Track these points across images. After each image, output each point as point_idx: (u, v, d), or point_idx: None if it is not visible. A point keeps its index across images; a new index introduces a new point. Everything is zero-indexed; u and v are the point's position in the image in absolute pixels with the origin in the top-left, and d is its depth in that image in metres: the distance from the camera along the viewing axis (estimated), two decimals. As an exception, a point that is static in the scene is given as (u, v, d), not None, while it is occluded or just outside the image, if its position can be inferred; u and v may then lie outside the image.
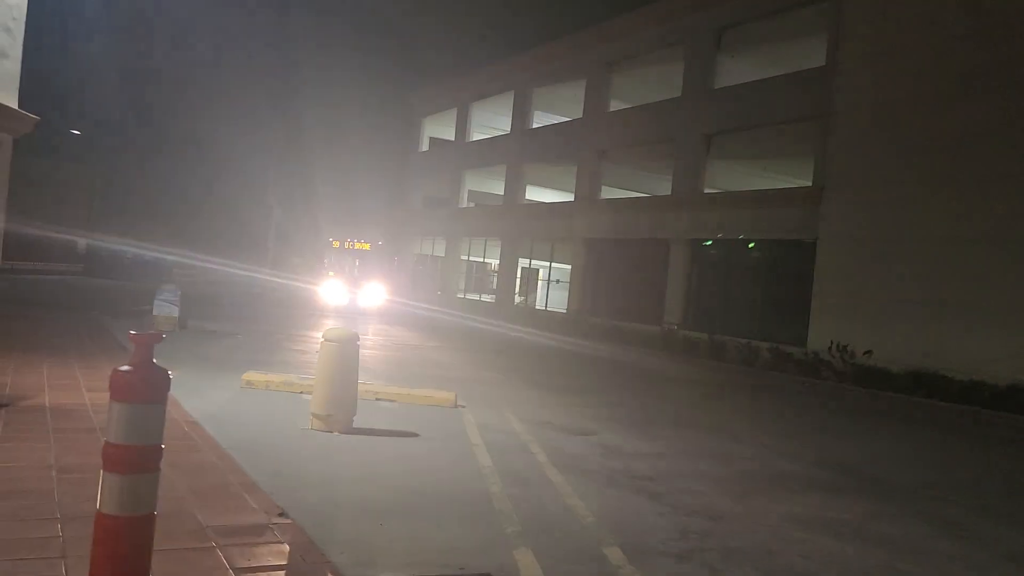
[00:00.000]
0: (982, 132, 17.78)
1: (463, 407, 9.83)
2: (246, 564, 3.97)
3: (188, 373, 10.37)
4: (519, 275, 34.98)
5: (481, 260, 39.71)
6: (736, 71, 24.68)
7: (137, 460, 3.21)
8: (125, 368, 3.27)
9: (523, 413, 9.96)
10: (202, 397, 8.69)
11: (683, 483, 7.05)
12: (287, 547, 4.27)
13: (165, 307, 15.57)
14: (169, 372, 3.31)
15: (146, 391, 3.25)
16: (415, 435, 7.86)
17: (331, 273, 28.26)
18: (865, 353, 18.69)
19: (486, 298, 37.12)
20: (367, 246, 29.15)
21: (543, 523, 5.30)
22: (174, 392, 8.59)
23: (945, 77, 18.63)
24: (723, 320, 23.72)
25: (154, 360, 3.32)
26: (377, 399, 9.56)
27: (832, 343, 19.31)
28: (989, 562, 5.56)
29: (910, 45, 19.56)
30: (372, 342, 17.00)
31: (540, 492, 6.16)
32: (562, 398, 11.75)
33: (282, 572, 3.92)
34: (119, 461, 3.20)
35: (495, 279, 37.41)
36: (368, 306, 27.12)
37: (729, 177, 27.09)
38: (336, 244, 28.98)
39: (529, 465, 7.08)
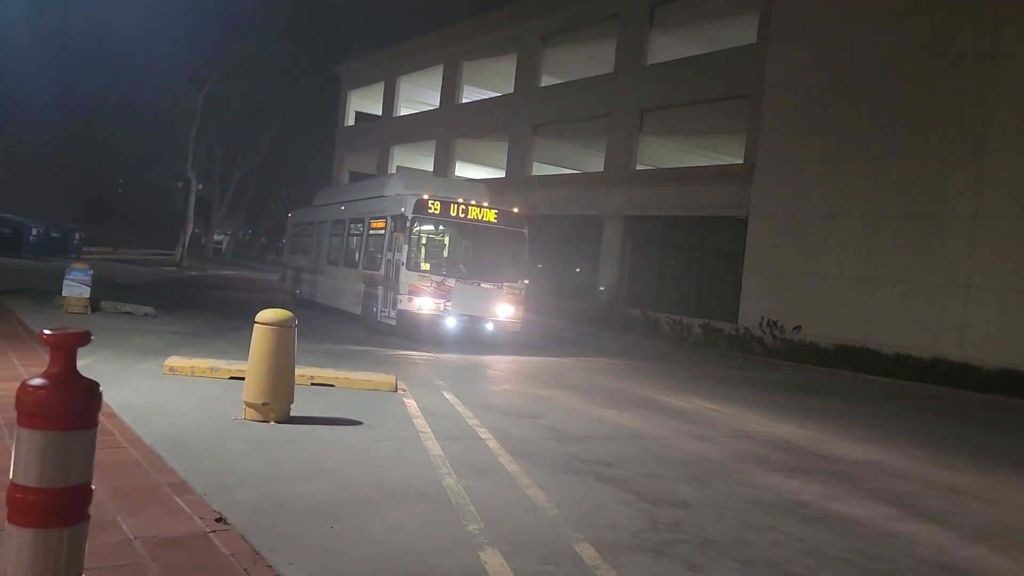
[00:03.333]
0: (909, 110, 18.10)
1: (404, 391, 9.40)
2: (182, 582, 3.49)
3: (104, 359, 9.62)
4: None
5: (410, 237, 38.85)
6: (669, 47, 24.63)
7: (57, 509, 2.36)
8: (38, 381, 2.42)
9: (465, 395, 9.58)
10: (121, 385, 8.02)
11: (640, 467, 6.80)
12: (229, 559, 3.79)
13: (76, 287, 14.57)
14: (99, 385, 2.56)
15: (70, 414, 2.42)
16: (358, 423, 7.40)
17: (424, 264, 15.40)
18: (794, 329, 18.96)
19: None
20: (492, 214, 15.77)
21: (505, 518, 4.95)
22: (89, 380, 7.97)
23: (874, 55, 18.89)
24: (656, 296, 23.78)
25: (78, 370, 2.52)
26: (312, 383, 9.04)
27: (763, 319, 19.53)
28: (956, 544, 5.47)
29: (840, 23, 19.75)
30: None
31: (497, 482, 5.80)
32: (502, 377, 11.42)
33: (225, 590, 3.46)
34: (32, 511, 2.34)
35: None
36: (495, 330, 15.48)
37: (662, 154, 27.12)
38: (435, 207, 15.22)
39: (481, 452, 6.72)
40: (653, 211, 24.03)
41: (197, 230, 52.69)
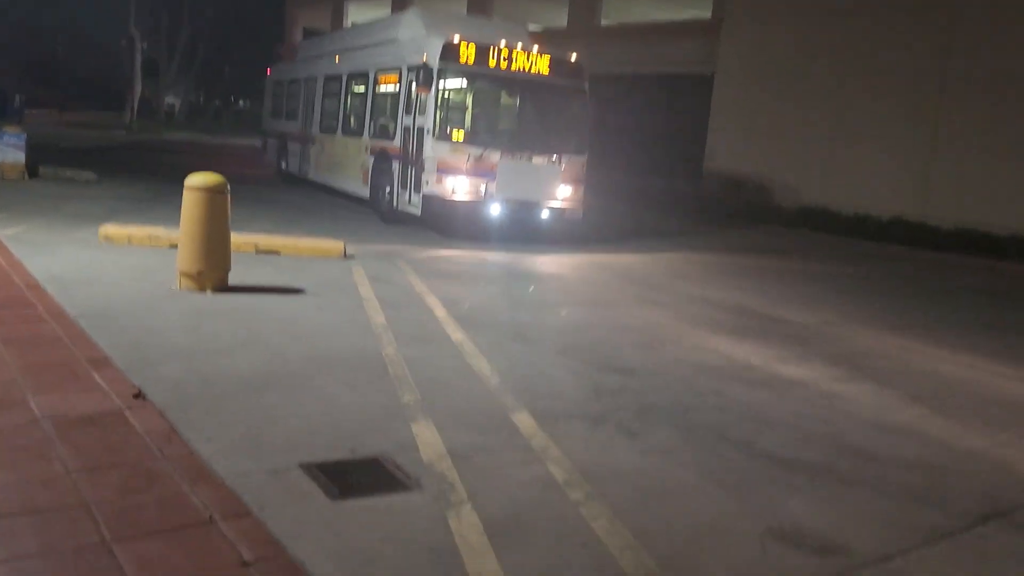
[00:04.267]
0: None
1: (353, 257, 9.13)
2: (88, 463, 3.30)
3: (36, 227, 9.18)
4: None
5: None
6: None
7: None
8: None
9: (419, 263, 9.36)
10: (51, 255, 7.65)
11: (592, 334, 6.70)
12: (143, 437, 3.60)
13: (9, 152, 13.83)
14: None
15: None
16: (300, 291, 7.16)
17: (457, 133, 11.58)
18: (757, 188, 18.81)
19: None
20: (545, 63, 11.92)
21: (444, 389, 4.81)
22: (16, 250, 7.58)
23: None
24: (618, 158, 23.35)
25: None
26: (257, 251, 8.74)
27: (726, 180, 19.32)
28: (898, 403, 5.48)
29: None
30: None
31: (440, 352, 5.66)
32: (460, 245, 11.17)
33: (134, 470, 3.28)
34: None
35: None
36: (552, 218, 11.96)
37: (626, 8, 25.94)
38: (468, 54, 11.47)
39: (427, 321, 6.55)
40: (618, 69, 23.20)
41: (147, 92, 50.34)
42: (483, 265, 9.78)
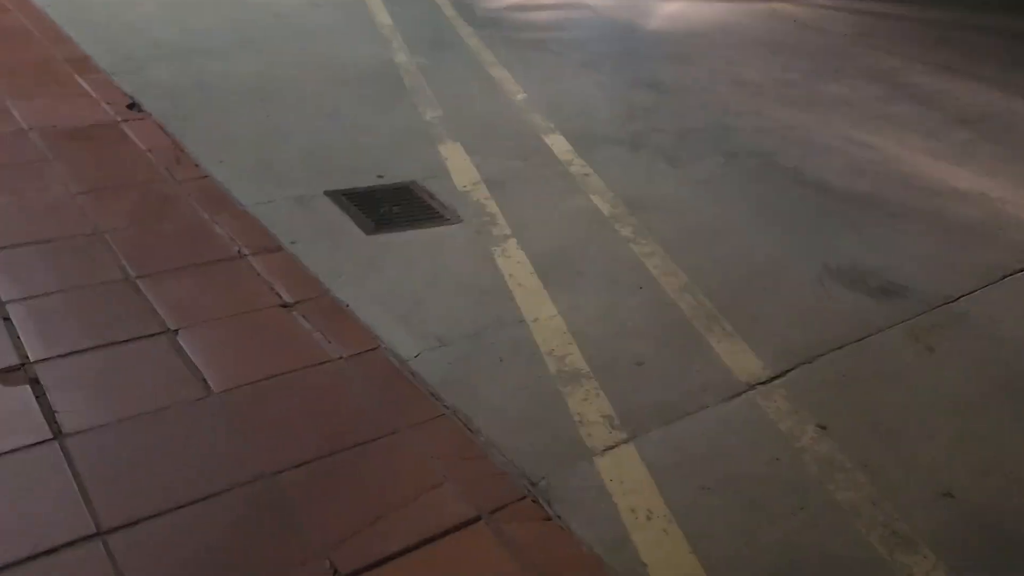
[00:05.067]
0: None
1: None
2: (91, 184, 2.97)
3: None
4: None
5: None
6: None
7: None
8: None
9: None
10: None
11: (617, 45, 6.12)
12: (147, 156, 3.25)
13: None
14: None
15: None
16: (291, -18, 6.36)
17: None
18: None
19: None
20: None
21: (467, 104, 4.38)
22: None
23: None
24: None
25: None
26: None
27: None
28: (943, 125, 5.14)
29: None
30: None
31: (456, 58, 5.13)
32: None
33: (145, 195, 2.96)
34: None
35: None
36: None
37: None
38: None
39: (436, 21, 5.90)
40: None
41: None
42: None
